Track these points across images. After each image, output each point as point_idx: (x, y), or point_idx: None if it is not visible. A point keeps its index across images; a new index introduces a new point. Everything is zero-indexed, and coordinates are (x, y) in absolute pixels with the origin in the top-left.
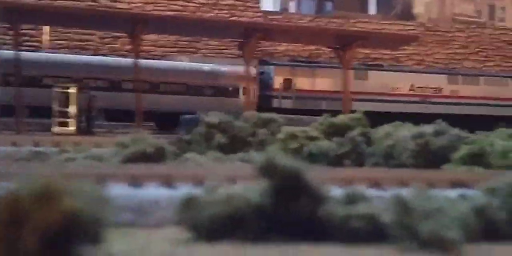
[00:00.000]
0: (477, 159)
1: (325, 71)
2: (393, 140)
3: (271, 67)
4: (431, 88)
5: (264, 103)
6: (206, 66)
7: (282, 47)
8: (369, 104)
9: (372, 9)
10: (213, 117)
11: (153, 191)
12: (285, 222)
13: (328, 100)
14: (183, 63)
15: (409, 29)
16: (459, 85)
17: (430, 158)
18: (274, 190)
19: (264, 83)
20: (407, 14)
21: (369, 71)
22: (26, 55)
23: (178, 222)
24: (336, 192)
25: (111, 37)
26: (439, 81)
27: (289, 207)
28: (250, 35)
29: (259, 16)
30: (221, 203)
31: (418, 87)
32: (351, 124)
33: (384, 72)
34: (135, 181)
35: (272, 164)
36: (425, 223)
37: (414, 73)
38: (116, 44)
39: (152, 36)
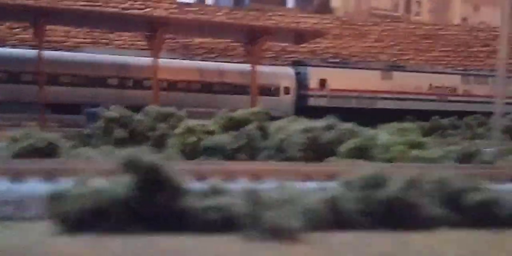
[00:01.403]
0: (361, 152)
1: (355, 71)
2: (285, 134)
3: (307, 68)
4: (447, 87)
5: (301, 102)
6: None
7: (199, 39)
8: (394, 102)
9: (290, 2)
10: (113, 111)
11: (34, 186)
12: (148, 214)
13: (358, 99)
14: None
15: (325, 23)
16: (471, 85)
17: (318, 151)
18: (137, 184)
19: (301, 83)
20: (324, 8)
21: (394, 72)
22: None
23: (49, 215)
24: (202, 185)
25: (20, 28)
26: (454, 81)
27: (151, 200)
28: (156, 28)
29: (174, 8)
30: (87, 197)
31: (436, 87)
32: (250, 118)
33: (407, 72)
34: (17, 176)
35: (134, 159)
36: (269, 213)
37: (432, 74)
38: (27, 34)
39: (65, 27)
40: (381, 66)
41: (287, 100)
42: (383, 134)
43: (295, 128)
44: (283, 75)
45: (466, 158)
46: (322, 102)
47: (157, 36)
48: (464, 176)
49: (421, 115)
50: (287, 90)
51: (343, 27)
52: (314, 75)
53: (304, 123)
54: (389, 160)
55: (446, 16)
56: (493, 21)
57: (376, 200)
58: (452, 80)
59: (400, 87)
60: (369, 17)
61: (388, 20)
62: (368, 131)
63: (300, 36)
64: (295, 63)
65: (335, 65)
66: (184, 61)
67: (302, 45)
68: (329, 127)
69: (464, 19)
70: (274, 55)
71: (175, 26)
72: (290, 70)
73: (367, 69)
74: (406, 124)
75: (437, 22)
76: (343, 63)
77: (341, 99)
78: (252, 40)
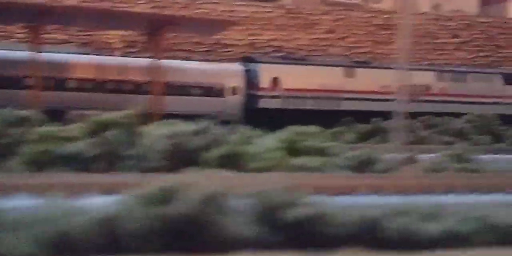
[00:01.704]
0: (231, 160)
1: (313, 68)
2: (150, 140)
3: (258, 64)
4: (419, 86)
5: (251, 103)
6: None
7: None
8: (359, 103)
9: None
10: None
11: None
12: None
13: (317, 99)
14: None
15: (267, 12)
16: (446, 83)
17: (184, 159)
18: None
19: (251, 82)
20: None
21: (358, 69)
22: None
23: None
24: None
25: None
26: (428, 78)
27: None
28: (34, 19)
29: None
30: None
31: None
32: (120, 121)
33: (373, 69)
34: None
35: None
36: None
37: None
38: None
39: None
40: (344, 62)
41: (234, 102)
42: (267, 139)
43: (160, 132)
44: (229, 73)
45: (363, 165)
46: (275, 104)
47: (37, 26)
48: (292, 188)
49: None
50: (234, 90)
51: (289, 16)
52: (265, 73)
53: (171, 127)
54: (263, 169)
55: (414, 3)
56: (469, 8)
57: (166, 218)
58: (426, 78)
59: (365, 85)
60: (318, 5)
61: (341, 8)
62: (247, 137)
63: (208, 27)
64: (244, 59)
65: (290, 61)
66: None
67: (239, 38)
68: (200, 132)
69: (436, 7)
70: (207, 49)
71: (59, 15)
72: (237, 67)
73: (327, 65)
74: (308, 128)
75: (402, 10)
76: (300, 59)
77: (297, 100)
78: (154, 31)
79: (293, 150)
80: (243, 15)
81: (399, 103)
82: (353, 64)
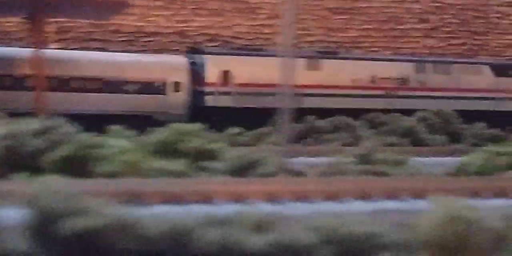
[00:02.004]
0: (77, 164)
1: (270, 60)
2: None
3: (205, 56)
4: (396, 79)
5: (196, 101)
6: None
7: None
8: (325, 99)
9: None
10: None
11: None
12: None
13: (274, 96)
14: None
15: None
16: (427, 75)
17: (21, 164)
18: None
19: (197, 76)
20: None
21: (323, 60)
22: None
23: None
24: None
25: None
26: (406, 70)
27: None
28: None
29: None
30: None
31: (382, 79)
32: None
33: (341, 60)
34: None
35: None
36: None
37: (376, 61)
38: None
39: None
40: (307, 53)
41: (177, 100)
42: (119, 140)
43: None
44: (171, 66)
45: (245, 168)
46: (225, 102)
47: None
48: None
49: (362, 115)
50: (177, 87)
51: (225, 0)
52: (214, 65)
53: (7, 126)
54: (114, 174)
55: None
56: None
57: None
58: (403, 70)
59: (332, 79)
60: None
61: None
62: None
63: (96, 9)
64: (190, 51)
65: (243, 52)
66: None
67: (165, 24)
68: (43, 131)
69: None
70: (126, 38)
71: None
72: (181, 60)
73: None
74: (190, 126)
75: None
76: (255, 49)
77: (251, 97)
78: (32, 14)
79: (170, 152)
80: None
81: (282, 98)
82: (318, 55)
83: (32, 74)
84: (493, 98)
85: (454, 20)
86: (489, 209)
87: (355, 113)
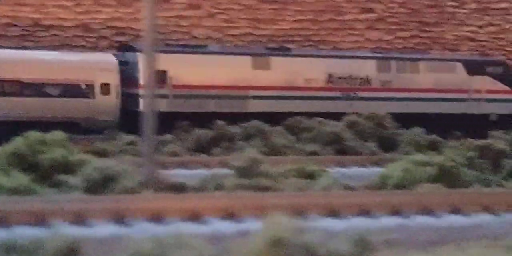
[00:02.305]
0: None
1: (213, 58)
2: None
3: (138, 54)
4: (356, 78)
5: (129, 105)
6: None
7: None
8: (274, 102)
9: None
10: None
11: None
12: None
13: (217, 99)
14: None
15: None
16: (391, 74)
17: None
18: None
19: (129, 77)
20: None
21: (273, 58)
22: None
23: None
24: None
25: None
26: (367, 69)
27: None
28: None
29: None
30: None
31: (340, 78)
32: None
33: (293, 58)
34: None
35: None
36: None
37: (333, 58)
38: None
39: None
40: (254, 50)
41: (107, 104)
42: None
43: None
44: (99, 65)
45: (103, 183)
46: (161, 106)
47: None
48: None
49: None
50: (105, 89)
51: None
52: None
53: None
54: None
55: None
56: None
57: None
58: (364, 68)
59: (282, 79)
60: None
61: None
62: None
63: None
64: (121, 48)
65: (182, 49)
66: None
67: (65, 17)
68: None
69: None
70: (21, 32)
71: None
72: (110, 58)
73: (231, 54)
74: (50, 135)
75: None
76: (196, 46)
77: (191, 101)
78: None
79: (26, 165)
80: None
81: (146, 100)
82: (266, 52)
83: None
84: (465, 100)
85: (402, 10)
86: (349, 230)
87: (310, 117)
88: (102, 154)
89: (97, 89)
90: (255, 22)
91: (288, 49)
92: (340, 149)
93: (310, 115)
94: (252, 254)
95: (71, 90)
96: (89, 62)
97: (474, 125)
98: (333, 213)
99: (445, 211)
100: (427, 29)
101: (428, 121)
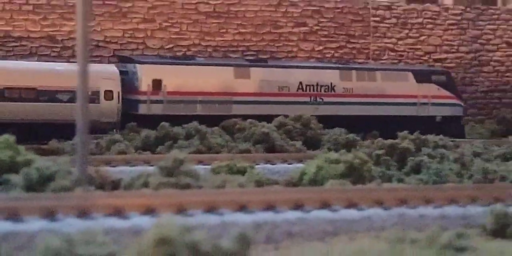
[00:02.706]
0: None
1: (200, 69)
2: None
3: (137, 65)
4: (323, 86)
5: (129, 109)
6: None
7: None
8: (253, 106)
9: None
10: None
11: None
12: None
13: (205, 104)
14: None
15: None
16: (353, 82)
17: None
18: None
19: (129, 85)
20: None
21: (251, 68)
22: None
23: None
24: None
25: None
26: (332, 77)
27: None
28: None
29: None
30: None
31: (308, 85)
32: None
33: (268, 68)
34: None
35: None
36: None
37: (303, 69)
38: None
39: None
40: (236, 62)
41: (110, 108)
42: None
43: None
44: (103, 75)
45: (41, 181)
46: (157, 109)
47: None
48: None
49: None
50: (109, 95)
51: (95, 3)
52: (146, 74)
53: None
54: None
55: None
56: None
57: None
58: (329, 77)
59: (260, 87)
60: None
61: None
62: None
63: None
64: (122, 60)
65: (174, 61)
66: None
67: (32, 29)
68: None
69: None
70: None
71: None
72: (112, 69)
73: (216, 65)
74: None
75: None
76: (186, 58)
77: (183, 105)
78: None
79: None
80: (34, 1)
81: (79, 101)
82: (246, 63)
83: None
84: (415, 104)
85: (331, 24)
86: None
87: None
88: (55, 153)
89: (102, 95)
90: (202, 34)
91: (265, 60)
92: (269, 147)
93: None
94: (140, 253)
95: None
96: (95, 72)
97: (422, 125)
98: (243, 208)
99: (341, 205)
100: (353, 40)
101: (383, 122)
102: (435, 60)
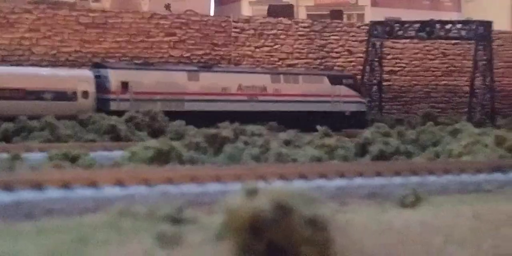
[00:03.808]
0: None
1: (160, 73)
2: None
3: (108, 70)
4: (257, 87)
5: (102, 106)
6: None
7: None
8: (202, 104)
9: None
10: None
11: None
12: None
13: (164, 102)
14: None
15: None
16: (281, 84)
17: None
18: None
19: (101, 86)
20: None
21: (200, 73)
22: None
23: None
24: None
25: None
26: (264, 80)
27: None
28: None
29: None
30: None
31: (246, 87)
32: None
33: (214, 73)
34: None
35: None
36: None
37: (242, 73)
38: None
39: None
40: (188, 67)
41: (86, 105)
42: None
43: None
44: (80, 78)
45: None
46: (125, 106)
47: None
48: None
49: (231, 116)
50: (85, 95)
51: None
52: (115, 77)
53: None
54: None
55: (136, 2)
56: (203, 9)
57: None
58: (262, 80)
59: (207, 88)
60: (20, 4)
61: (44, 6)
62: None
63: None
64: (96, 65)
65: (139, 66)
66: None
67: None
68: None
69: (167, 6)
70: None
71: None
72: (87, 73)
73: (174, 70)
74: None
75: (123, 8)
76: (147, 64)
77: (145, 103)
78: None
79: None
80: None
81: None
82: (196, 69)
83: None
84: (329, 101)
85: (198, 34)
86: None
87: (226, 114)
88: None
89: (79, 95)
90: (82, 42)
91: (211, 66)
92: (115, 137)
93: (227, 113)
94: None
95: (61, 95)
96: (73, 75)
97: (335, 119)
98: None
99: (135, 184)
100: (217, 48)
101: (305, 116)
102: (288, 65)
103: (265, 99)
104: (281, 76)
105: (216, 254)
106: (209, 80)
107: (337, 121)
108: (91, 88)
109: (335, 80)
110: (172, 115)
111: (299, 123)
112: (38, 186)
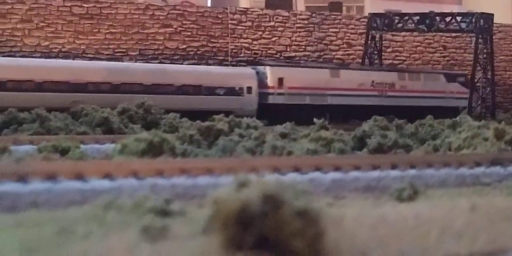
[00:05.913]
0: None
1: (307, 70)
2: None
3: (267, 67)
4: (387, 83)
5: (261, 99)
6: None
7: None
8: (341, 98)
9: None
10: None
11: None
12: None
13: (312, 96)
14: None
15: None
16: (406, 81)
17: None
18: None
19: (261, 82)
20: None
21: (341, 70)
22: None
23: None
24: None
25: None
26: (392, 77)
27: None
28: None
29: None
30: None
31: (377, 83)
32: None
33: (351, 70)
34: None
35: None
36: None
37: (373, 71)
38: None
39: None
40: (330, 65)
41: (250, 99)
42: None
43: None
44: (244, 75)
45: None
46: (281, 100)
47: None
48: None
49: (364, 110)
50: (249, 90)
51: None
52: (272, 74)
53: None
54: None
55: None
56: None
57: None
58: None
59: (347, 84)
60: None
61: None
62: None
63: None
64: (254, 63)
65: (292, 64)
66: None
67: None
68: None
69: None
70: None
71: None
72: (251, 71)
73: (321, 68)
74: None
75: None
76: (297, 62)
77: (297, 96)
78: None
79: None
80: None
81: None
82: (337, 67)
83: None
84: (444, 97)
85: (194, 26)
86: None
87: (360, 108)
88: None
89: (245, 90)
90: (76, 33)
91: (348, 64)
92: (107, 129)
93: (360, 107)
94: None
95: (230, 91)
96: (238, 73)
97: (448, 114)
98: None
99: (123, 176)
100: (214, 40)
101: (423, 111)
102: (286, 58)
103: (393, 95)
104: (406, 74)
105: (203, 247)
106: (348, 77)
107: (451, 116)
108: (254, 84)
109: (450, 78)
110: (317, 109)
111: (418, 118)
112: (22, 178)
